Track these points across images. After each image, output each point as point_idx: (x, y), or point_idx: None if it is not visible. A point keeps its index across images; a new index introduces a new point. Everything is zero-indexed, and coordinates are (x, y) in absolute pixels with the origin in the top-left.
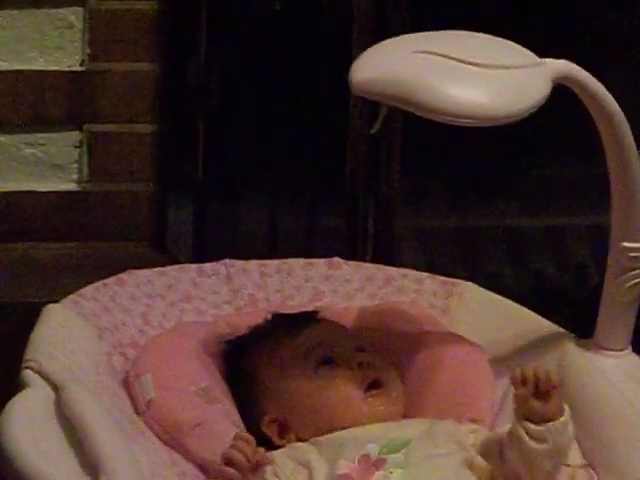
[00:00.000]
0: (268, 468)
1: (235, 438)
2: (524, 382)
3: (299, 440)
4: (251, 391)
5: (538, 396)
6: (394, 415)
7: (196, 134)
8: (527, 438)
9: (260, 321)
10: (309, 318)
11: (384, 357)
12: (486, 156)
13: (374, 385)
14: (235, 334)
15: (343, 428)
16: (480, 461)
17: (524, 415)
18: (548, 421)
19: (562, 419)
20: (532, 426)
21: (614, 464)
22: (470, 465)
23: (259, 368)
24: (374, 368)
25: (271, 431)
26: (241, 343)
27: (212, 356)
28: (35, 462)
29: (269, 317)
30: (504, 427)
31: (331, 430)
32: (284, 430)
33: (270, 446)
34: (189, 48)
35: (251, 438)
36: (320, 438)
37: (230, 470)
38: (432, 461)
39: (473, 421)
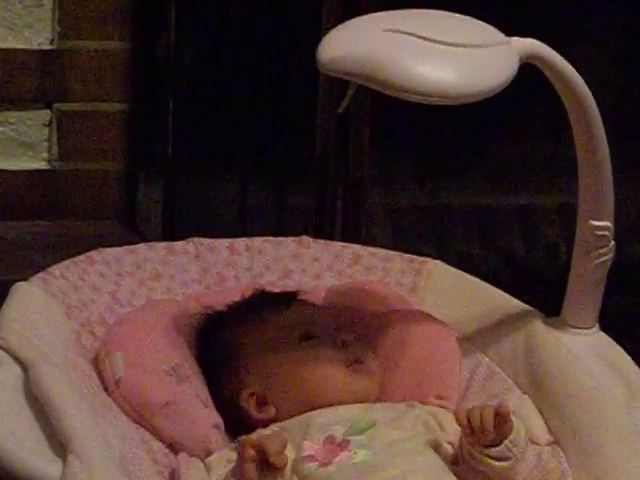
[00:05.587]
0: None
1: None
2: (471, 431)
3: (277, 414)
4: (230, 364)
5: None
6: (372, 393)
7: (166, 112)
8: (491, 461)
9: (229, 299)
10: (292, 297)
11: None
12: (456, 135)
13: (355, 363)
14: (206, 311)
15: (321, 403)
16: (447, 445)
17: (478, 443)
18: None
19: (514, 432)
20: (492, 450)
21: (580, 441)
22: (436, 446)
23: (241, 340)
24: (356, 347)
25: (249, 404)
26: (222, 316)
27: (182, 334)
28: (2, 441)
29: (252, 293)
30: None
31: (310, 404)
32: (263, 403)
33: (244, 423)
34: (158, 26)
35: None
36: (286, 422)
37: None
38: (395, 443)
39: (440, 398)
